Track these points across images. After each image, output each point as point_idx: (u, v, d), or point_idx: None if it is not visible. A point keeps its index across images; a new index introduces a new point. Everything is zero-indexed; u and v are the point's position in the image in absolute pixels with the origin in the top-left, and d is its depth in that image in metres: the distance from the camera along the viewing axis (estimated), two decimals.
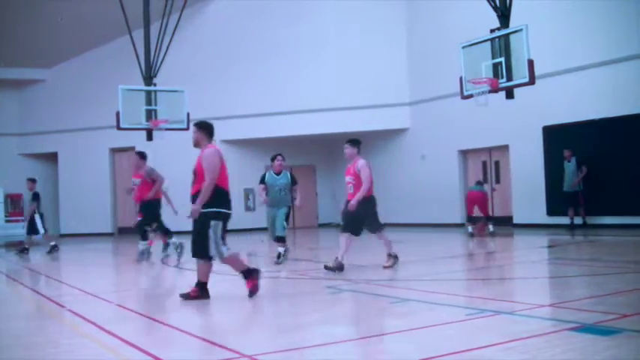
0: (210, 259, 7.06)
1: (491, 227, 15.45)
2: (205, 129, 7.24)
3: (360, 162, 9.20)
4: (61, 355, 4.85)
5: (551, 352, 4.25)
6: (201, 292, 7.12)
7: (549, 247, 12.60)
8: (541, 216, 16.26)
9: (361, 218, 9.15)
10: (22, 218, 21.36)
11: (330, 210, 24.50)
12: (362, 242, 16.20)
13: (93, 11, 20.77)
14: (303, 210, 23.73)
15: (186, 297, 7.11)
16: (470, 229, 15.34)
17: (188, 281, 8.89)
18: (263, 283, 8.92)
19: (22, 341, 5.45)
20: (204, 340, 5.12)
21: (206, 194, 6.82)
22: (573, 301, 5.99)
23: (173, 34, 17.10)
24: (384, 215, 23.17)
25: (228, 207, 7.06)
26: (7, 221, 21.51)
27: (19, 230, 20.03)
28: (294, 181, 11.11)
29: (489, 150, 18.85)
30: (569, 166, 15.42)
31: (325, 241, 17.96)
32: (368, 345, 4.71)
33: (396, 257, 9.46)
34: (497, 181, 18.70)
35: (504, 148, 18.05)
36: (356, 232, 9.34)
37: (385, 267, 9.27)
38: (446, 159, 19.66)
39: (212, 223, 6.84)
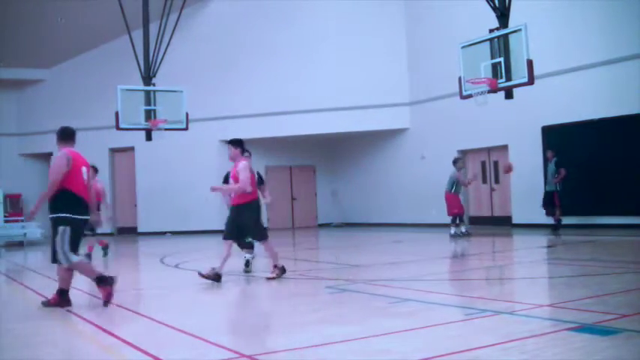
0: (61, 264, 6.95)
1: (452, 230, 15.16)
2: (58, 134, 7.17)
3: (241, 164, 8.57)
4: (61, 356, 4.85)
5: (551, 352, 4.25)
6: (61, 298, 6.97)
7: (548, 247, 12.61)
8: (540, 216, 16.24)
9: (243, 225, 8.60)
10: (22, 218, 21.37)
11: (330, 210, 24.51)
12: (361, 242, 16.24)
13: (92, 11, 20.76)
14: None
15: (45, 304, 7.01)
16: (463, 229, 15.33)
17: (189, 282, 8.90)
18: (263, 282, 8.93)
19: (22, 341, 5.45)
20: (204, 340, 5.12)
21: (43, 198, 6.78)
22: (572, 301, 6.00)
23: (172, 34, 17.11)
24: (384, 215, 23.07)
25: (78, 212, 6.85)
26: (7, 221, 21.48)
27: (18, 230, 20.04)
28: (261, 181, 9.91)
29: (488, 150, 18.85)
30: (550, 167, 15.42)
31: (325, 241, 17.96)
32: (368, 345, 4.71)
33: (282, 269, 8.69)
34: (497, 181, 18.71)
35: (503, 148, 18.05)
36: (237, 239, 8.83)
37: (269, 278, 8.58)
38: (445, 159, 19.62)
39: (59, 229, 6.77)
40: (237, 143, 8.82)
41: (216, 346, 4.85)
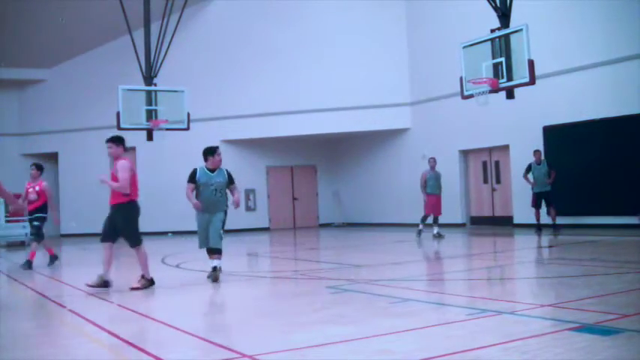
0: None
1: (435, 229, 15.42)
2: None
3: (121, 162, 8.27)
4: (62, 356, 4.85)
5: (552, 352, 4.25)
6: None
7: (549, 247, 12.60)
8: (541, 216, 16.24)
9: (117, 226, 8.22)
10: (23, 218, 21.37)
11: (331, 210, 24.51)
12: (362, 242, 16.24)
13: (93, 11, 20.78)
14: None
15: None
16: (421, 226, 15.55)
17: (190, 282, 8.90)
18: (264, 283, 8.93)
19: (23, 341, 5.45)
20: (204, 340, 5.12)
21: None
22: (574, 301, 5.99)
23: (173, 34, 17.09)
24: (386, 215, 23.01)
25: None
26: (8, 221, 21.48)
27: (19, 230, 20.04)
28: (231, 180, 9.03)
29: (490, 150, 18.84)
30: (539, 169, 15.43)
31: (326, 241, 17.95)
32: (368, 345, 4.71)
33: (151, 281, 8.28)
34: (498, 181, 18.69)
35: (505, 148, 18.04)
36: (114, 240, 8.26)
37: (133, 288, 8.10)
38: (446, 159, 19.64)
39: None
40: (120, 141, 8.44)
41: (217, 346, 4.85)
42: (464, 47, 12.96)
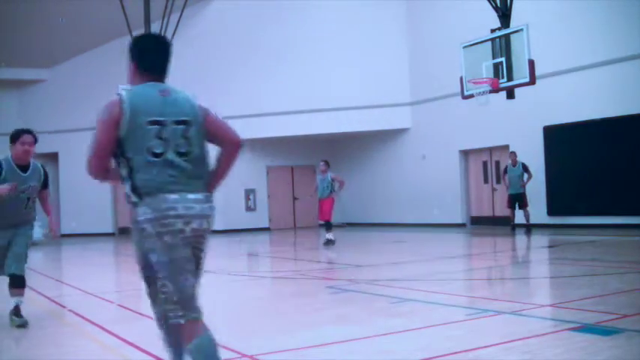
0: None
1: (330, 235, 14.25)
2: None
3: None
4: (62, 356, 4.85)
5: (552, 352, 4.25)
6: None
7: (550, 247, 12.60)
8: (542, 216, 16.25)
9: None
10: None
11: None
12: (362, 242, 16.25)
13: (93, 11, 20.77)
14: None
15: None
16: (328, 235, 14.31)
17: None
18: (264, 283, 8.93)
19: (23, 342, 5.46)
20: None
21: None
22: (574, 301, 5.99)
23: (174, 34, 17.10)
24: (385, 215, 22.98)
25: None
26: None
27: None
28: (46, 183, 6.44)
29: (490, 150, 18.84)
30: (515, 170, 15.62)
31: None
32: (368, 345, 4.71)
33: None
34: (498, 181, 18.68)
35: (505, 148, 18.03)
36: None
37: None
38: (446, 159, 19.65)
39: None
40: None
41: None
42: (464, 47, 12.99)
